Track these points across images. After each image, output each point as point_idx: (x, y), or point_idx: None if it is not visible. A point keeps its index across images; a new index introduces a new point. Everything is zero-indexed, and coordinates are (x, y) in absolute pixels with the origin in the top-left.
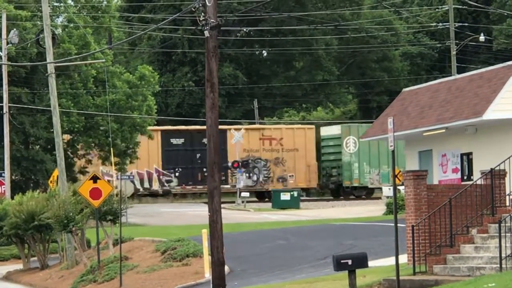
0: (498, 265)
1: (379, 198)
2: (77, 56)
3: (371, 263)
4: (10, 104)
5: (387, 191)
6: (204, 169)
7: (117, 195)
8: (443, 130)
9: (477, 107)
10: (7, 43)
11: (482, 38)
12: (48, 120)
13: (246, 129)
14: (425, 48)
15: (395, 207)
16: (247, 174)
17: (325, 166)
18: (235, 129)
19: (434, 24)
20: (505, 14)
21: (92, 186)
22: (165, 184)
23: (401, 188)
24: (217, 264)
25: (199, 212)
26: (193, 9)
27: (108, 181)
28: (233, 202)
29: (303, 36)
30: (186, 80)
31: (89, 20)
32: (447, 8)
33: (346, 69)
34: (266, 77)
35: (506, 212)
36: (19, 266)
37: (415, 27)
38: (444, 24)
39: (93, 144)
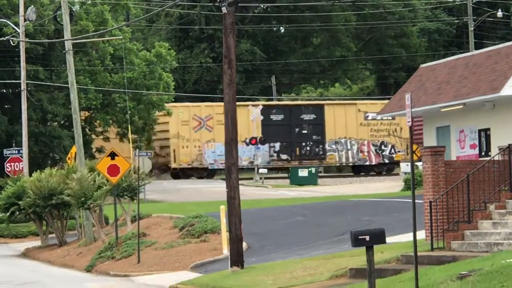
0: None
1: None
2: (94, 33)
3: (388, 239)
4: (27, 81)
5: (405, 167)
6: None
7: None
8: (461, 106)
9: (494, 83)
10: (25, 20)
11: (500, 14)
12: (66, 97)
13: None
14: (443, 24)
15: (412, 183)
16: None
17: None
18: (253, 105)
19: (452, 0)
20: None
21: (110, 163)
22: None
23: (419, 164)
24: (235, 241)
25: (217, 188)
26: None
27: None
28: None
29: (321, 12)
30: (203, 57)
31: None
32: None
33: (364, 45)
34: (283, 53)
35: None
36: (37, 243)
37: (432, 3)
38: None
39: (110, 121)
